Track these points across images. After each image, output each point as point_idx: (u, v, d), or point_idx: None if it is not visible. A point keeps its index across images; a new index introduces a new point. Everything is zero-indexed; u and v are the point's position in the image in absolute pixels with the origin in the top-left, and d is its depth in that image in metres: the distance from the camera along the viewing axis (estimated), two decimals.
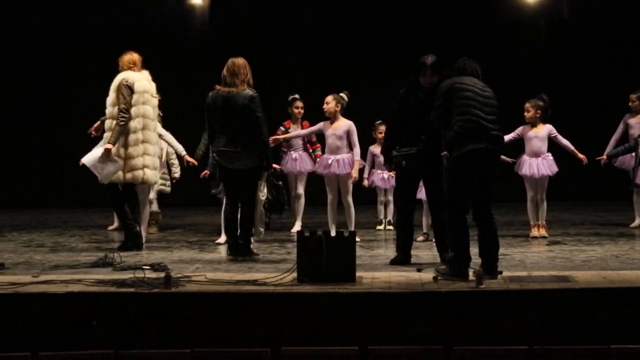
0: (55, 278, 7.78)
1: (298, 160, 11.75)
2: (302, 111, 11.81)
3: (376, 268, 8.58)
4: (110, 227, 12.22)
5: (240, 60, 9.26)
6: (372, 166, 11.93)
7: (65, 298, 7.15)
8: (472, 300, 7.15)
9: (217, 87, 9.26)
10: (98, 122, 10.62)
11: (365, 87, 14.34)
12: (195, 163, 11.10)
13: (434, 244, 9.15)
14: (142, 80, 10.05)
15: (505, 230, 11.37)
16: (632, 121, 11.97)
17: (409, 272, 8.20)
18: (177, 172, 11.69)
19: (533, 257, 9.30)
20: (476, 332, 6.91)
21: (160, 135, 10.92)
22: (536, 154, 10.89)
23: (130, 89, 9.95)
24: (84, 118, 10.83)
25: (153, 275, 7.84)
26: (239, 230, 9.28)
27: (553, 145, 11.01)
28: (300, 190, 11.83)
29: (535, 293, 7.24)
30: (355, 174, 10.63)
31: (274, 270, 8.12)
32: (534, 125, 10.90)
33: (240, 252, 9.23)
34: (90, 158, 9.97)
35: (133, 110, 9.96)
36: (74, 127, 10.60)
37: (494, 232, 7.93)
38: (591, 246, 10.11)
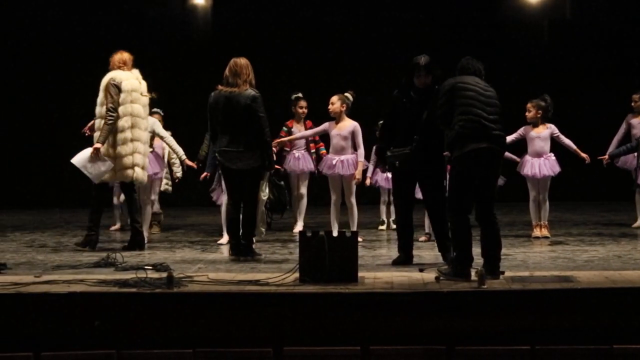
0: (58, 278, 7.78)
1: (301, 159, 11.74)
2: (306, 111, 11.81)
3: (378, 268, 8.58)
4: (113, 228, 12.22)
5: (243, 61, 9.26)
6: (376, 165, 11.90)
7: (67, 298, 7.15)
8: (475, 300, 7.14)
9: (220, 87, 9.27)
10: (92, 122, 10.61)
11: (367, 87, 14.32)
12: (195, 166, 11.07)
13: (436, 244, 9.15)
14: (130, 79, 10.03)
15: (507, 230, 11.36)
16: (635, 121, 11.98)
17: (411, 272, 8.20)
18: (179, 171, 11.69)
19: (535, 257, 9.30)
20: (478, 332, 6.91)
21: (161, 138, 10.91)
22: (538, 154, 10.89)
23: (118, 88, 9.94)
24: (84, 118, 10.81)
25: (155, 275, 7.84)
26: (241, 231, 9.29)
27: (556, 146, 11.00)
28: (302, 190, 11.82)
29: (538, 293, 7.24)
30: (358, 175, 10.63)
31: (276, 270, 8.12)
32: (535, 125, 10.90)
33: (242, 252, 9.24)
34: (79, 158, 9.96)
35: (121, 109, 9.95)
36: (74, 127, 10.59)
37: (497, 232, 7.92)
38: (593, 246, 10.11)
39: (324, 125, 10.87)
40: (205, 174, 10.77)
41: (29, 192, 15.83)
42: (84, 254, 9.72)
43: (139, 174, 10.05)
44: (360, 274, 7.69)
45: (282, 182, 10.00)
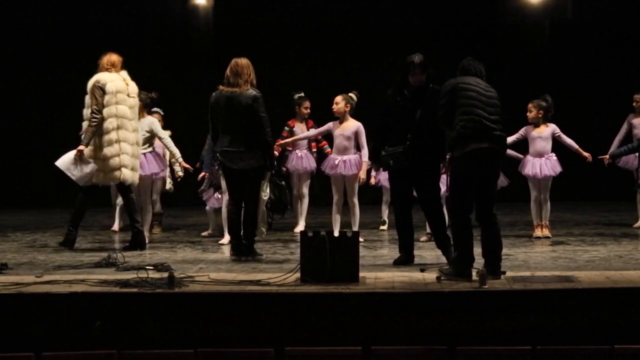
0: (59, 278, 7.79)
1: (303, 159, 11.73)
2: (310, 111, 11.79)
3: (379, 268, 8.57)
4: (114, 228, 12.21)
5: (244, 61, 9.26)
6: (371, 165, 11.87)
7: (68, 298, 7.16)
8: (476, 300, 7.15)
9: (221, 87, 9.27)
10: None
11: (368, 87, 14.31)
12: (191, 169, 11.05)
13: (435, 244, 9.14)
14: (115, 81, 10.00)
15: (508, 230, 11.36)
16: (636, 121, 11.98)
17: (412, 272, 8.20)
18: (180, 170, 11.66)
19: (536, 257, 9.29)
20: (479, 332, 6.91)
21: (159, 138, 10.89)
22: (540, 154, 10.88)
23: (102, 90, 9.93)
24: (83, 118, 10.81)
25: (156, 275, 7.85)
26: (242, 231, 9.29)
27: (557, 146, 11.00)
28: (304, 189, 11.82)
29: (539, 293, 7.24)
30: (363, 175, 10.63)
31: (277, 270, 8.12)
32: (536, 125, 10.90)
33: (243, 252, 9.24)
34: (63, 160, 9.96)
35: (105, 111, 9.92)
36: (74, 127, 10.59)
37: (497, 232, 7.92)
38: (594, 246, 10.10)
39: (328, 125, 10.87)
40: (203, 173, 10.74)
41: (30, 192, 15.80)
42: (85, 254, 9.72)
43: (127, 175, 10.00)
44: (361, 274, 7.69)
45: (283, 182, 9.99)
